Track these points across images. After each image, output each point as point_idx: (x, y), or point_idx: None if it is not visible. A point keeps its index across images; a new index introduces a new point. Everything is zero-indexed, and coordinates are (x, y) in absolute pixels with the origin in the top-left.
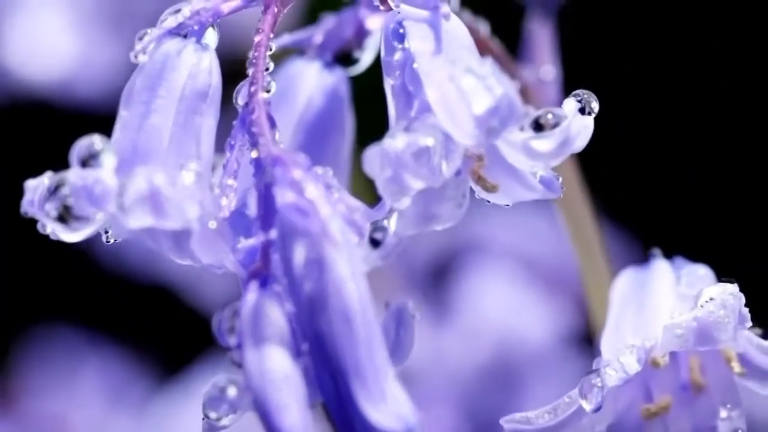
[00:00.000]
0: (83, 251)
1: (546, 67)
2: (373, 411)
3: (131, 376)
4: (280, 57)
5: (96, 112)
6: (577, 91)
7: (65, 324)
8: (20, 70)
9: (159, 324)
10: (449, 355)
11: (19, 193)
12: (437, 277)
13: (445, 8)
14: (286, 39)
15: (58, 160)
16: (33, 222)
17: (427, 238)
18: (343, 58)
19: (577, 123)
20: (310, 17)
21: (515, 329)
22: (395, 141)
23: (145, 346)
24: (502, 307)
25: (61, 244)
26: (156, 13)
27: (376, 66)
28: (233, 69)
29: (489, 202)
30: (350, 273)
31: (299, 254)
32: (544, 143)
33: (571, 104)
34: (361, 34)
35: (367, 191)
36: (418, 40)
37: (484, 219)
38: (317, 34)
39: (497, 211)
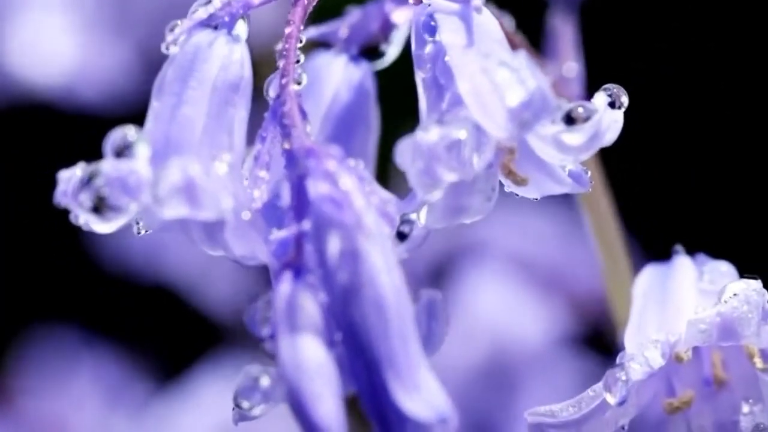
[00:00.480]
0: (83, 251)
1: (569, 64)
2: (407, 400)
3: (130, 377)
4: (306, 50)
5: (98, 114)
6: (607, 86)
7: (64, 324)
8: (22, 72)
9: (159, 325)
10: (446, 355)
11: (20, 194)
12: (435, 278)
13: (476, 1)
14: (313, 32)
15: (59, 161)
16: (32, 222)
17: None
18: (369, 52)
19: (607, 117)
20: (336, 11)
21: (512, 330)
22: (428, 133)
23: (145, 347)
24: (498, 309)
25: (61, 244)
26: (158, 16)
27: (402, 60)
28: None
29: (517, 195)
30: (384, 264)
31: (333, 245)
32: (575, 137)
33: (601, 98)
34: (387, 27)
35: (389, 184)
36: (450, 32)
37: (482, 221)
38: (343, 28)
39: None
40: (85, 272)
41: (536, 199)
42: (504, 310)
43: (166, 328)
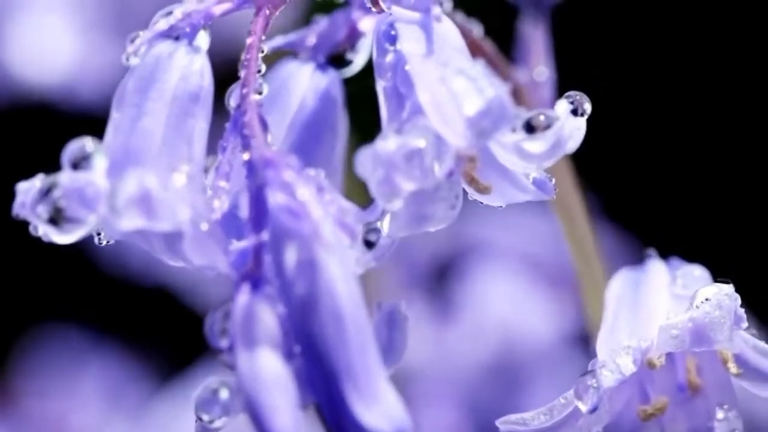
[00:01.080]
0: (83, 252)
1: (539, 69)
2: (365, 412)
3: (131, 377)
4: (274, 59)
5: (97, 115)
6: (569, 93)
7: (65, 325)
8: (21, 73)
9: (159, 325)
10: (452, 354)
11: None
12: (440, 276)
13: (436, 10)
14: (279, 41)
15: (58, 162)
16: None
17: (430, 238)
18: (336, 60)
19: (569, 124)
20: (303, 19)
21: (518, 328)
22: (387, 143)
23: (145, 347)
24: (505, 306)
25: (60, 245)
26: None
27: (369, 68)
28: (224, 72)
29: (482, 203)
30: (342, 275)
31: (291, 256)
32: (536, 145)
33: (563, 106)
34: (354, 35)
35: (360, 193)
36: (410, 42)
37: (487, 219)
38: (310, 36)
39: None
40: (85, 273)
41: (501, 207)
42: (512, 308)
43: (166, 329)
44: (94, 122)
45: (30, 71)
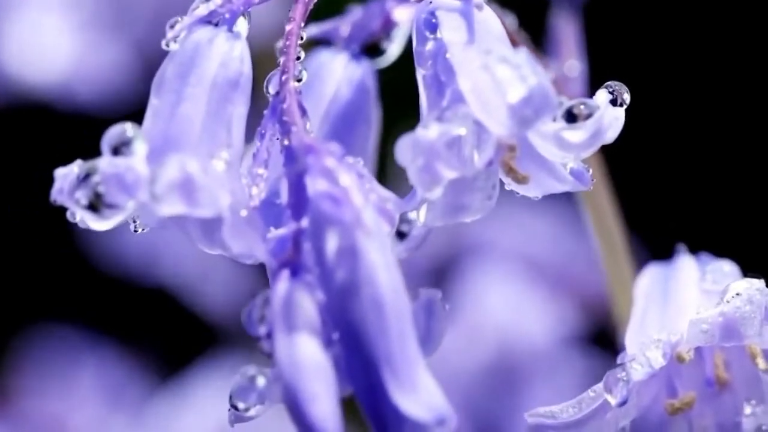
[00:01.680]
0: (82, 252)
1: (571, 63)
2: (404, 401)
3: (129, 376)
4: (307, 48)
5: (96, 114)
6: (609, 83)
7: (64, 324)
8: (20, 72)
9: (158, 325)
10: (451, 354)
11: (19, 194)
12: (440, 277)
13: None
14: (314, 30)
15: (57, 161)
16: (31, 222)
17: (429, 239)
18: (370, 50)
19: (609, 114)
20: (337, 8)
21: (518, 330)
22: (428, 130)
23: (144, 347)
24: (504, 308)
25: (60, 245)
26: (156, 16)
27: (403, 58)
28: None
29: (518, 194)
30: (383, 262)
31: (332, 243)
32: (576, 134)
33: (603, 95)
34: (388, 25)
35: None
36: (451, 30)
37: (487, 219)
38: (344, 25)
39: (500, 211)
40: (83, 273)
41: (537, 197)
42: (510, 309)
43: (165, 329)
44: (92, 121)
45: (28, 71)
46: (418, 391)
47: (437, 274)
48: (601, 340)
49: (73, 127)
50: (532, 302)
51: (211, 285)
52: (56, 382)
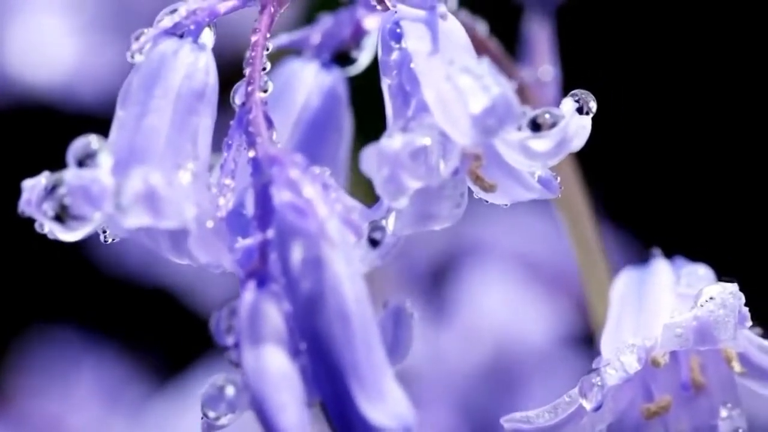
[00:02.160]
0: (82, 252)
1: (545, 68)
2: (371, 410)
3: (129, 377)
4: (278, 57)
5: (96, 115)
6: (575, 91)
7: (63, 325)
8: (21, 73)
9: (157, 326)
10: (448, 355)
11: (19, 194)
12: (437, 277)
13: (441, 8)
14: (284, 39)
15: (58, 161)
16: (32, 222)
17: (427, 239)
18: (341, 58)
19: (574, 123)
20: (308, 17)
21: (514, 330)
22: (392, 140)
23: (144, 347)
24: (501, 308)
25: (60, 245)
26: (156, 16)
27: (374, 66)
28: (229, 70)
29: (487, 202)
30: (347, 272)
31: (296, 254)
32: (541, 143)
33: (568, 104)
34: (359, 34)
35: (365, 191)
36: (415, 39)
37: (484, 220)
38: (315, 34)
39: (497, 212)
40: (83, 274)
41: (506, 205)
42: (507, 310)
43: (164, 330)
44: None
45: (30, 71)
46: (384, 399)
47: (435, 275)
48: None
49: (74, 127)
50: (529, 303)
51: (211, 286)
52: (56, 383)
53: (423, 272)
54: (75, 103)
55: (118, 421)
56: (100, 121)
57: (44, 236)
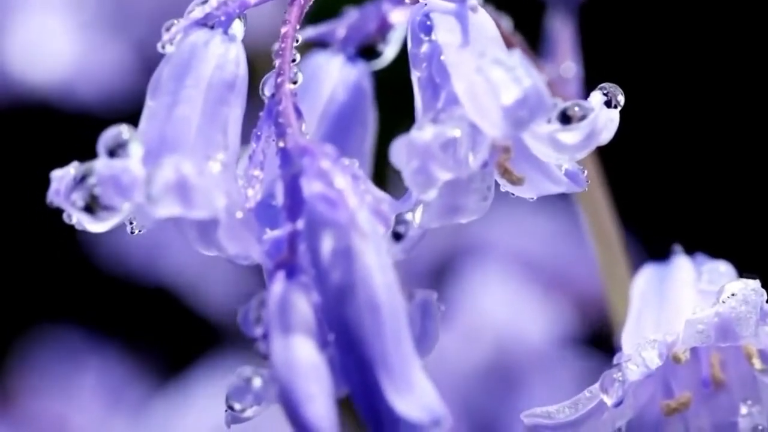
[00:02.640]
0: (83, 252)
1: (567, 64)
2: (399, 401)
3: (131, 377)
4: (304, 50)
5: (97, 114)
6: (603, 85)
7: (65, 325)
8: (21, 72)
9: (159, 325)
10: (448, 355)
11: (20, 194)
12: (437, 277)
13: (471, 0)
14: (310, 32)
15: (58, 161)
16: (33, 223)
17: (427, 239)
18: (367, 52)
19: (603, 116)
20: (334, 11)
21: (515, 330)
22: (423, 132)
23: (146, 347)
24: (500, 308)
25: (61, 245)
26: (157, 16)
27: (399, 60)
28: (256, 61)
29: (513, 195)
30: (378, 263)
31: (327, 244)
32: (570, 135)
33: (597, 97)
34: (385, 27)
35: (385, 187)
36: (445, 32)
37: (484, 220)
38: (340, 28)
39: (497, 212)
40: (84, 273)
41: (532, 198)
42: (507, 309)
43: (166, 329)
44: (93, 121)
45: (30, 70)
46: (413, 391)
47: (436, 274)
48: (598, 340)
49: (74, 126)
50: (529, 302)
51: (213, 285)
52: (58, 383)
53: (423, 271)
54: (75, 103)
55: (121, 420)
56: (100, 121)
57: (44, 236)
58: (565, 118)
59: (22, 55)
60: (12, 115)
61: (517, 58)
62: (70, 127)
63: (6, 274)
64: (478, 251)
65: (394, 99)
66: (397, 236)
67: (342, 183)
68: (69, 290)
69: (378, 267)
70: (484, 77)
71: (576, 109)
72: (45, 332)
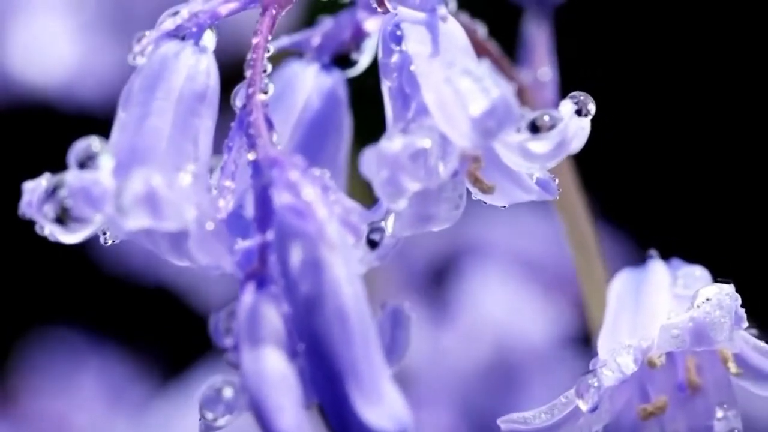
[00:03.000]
0: (84, 252)
1: (543, 69)
2: (368, 411)
3: (132, 377)
4: (278, 59)
5: (96, 115)
6: (574, 93)
7: (66, 325)
8: (21, 74)
9: (159, 325)
10: (448, 356)
11: (20, 195)
12: (437, 277)
13: (442, 10)
14: (284, 41)
15: (58, 162)
16: (33, 223)
17: (427, 240)
18: (341, 61)
19: (573, 125)
20: (308, 20)
21: (514, 330)
22: (392, 143)
23: (146, 347)
24: (500, 308)
25: (61, 245)
26: (156, 17)
27: (374, 68)
28: (231, 72)
29: (486, 203)
30: (346, 275)
31: (296, 256)
32: (540, 145)
33: (567, 106)
34: (359, 36)
35: (365, 193)
36: (416, 42)
37: (484, 220)
38: (315, 37)
39: (497, 212)
40: (85, 273)
41: (504, 207)
42: (507, 309)
43: (166, 329)
44: (93, 122)
45: (30, 72)
46: (382, 401)
47: (435, 274)
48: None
49: (74, 128)
50: (528, 302)
51: (213, 285)
52: (59, 383)
53: (422, 272)
54: (75, 103)
55: (121, 420)
56: (100, 122)
57: (45, 236)
58: (535, 128)
59: (23, 56)
60: (12, 116)
61: (485, 68)
62: (71, 128)
63: (6, 275)
64: (478, 251)
65: (371, 107)
66: (372, 244)
67: (311, 194)
68: (69, 290)
69: (346, 278)
70: (453, 88)
71: (545, 118)
72: (46, 332)
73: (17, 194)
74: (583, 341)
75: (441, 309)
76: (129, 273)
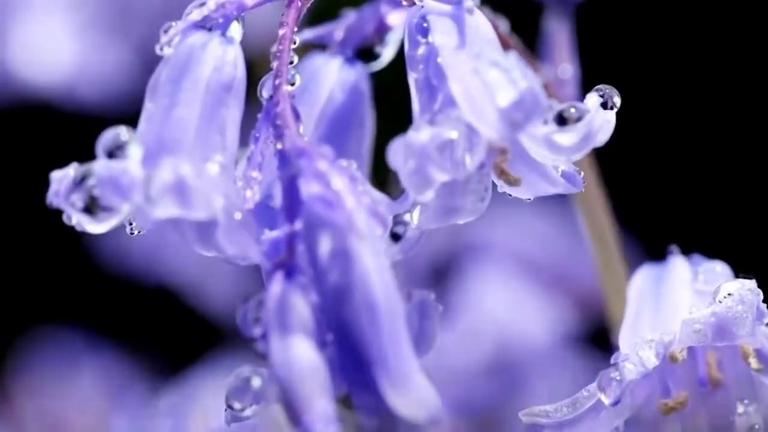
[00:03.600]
0: (84, 252)
1: (564, 66)
2: (397, 400)
3: (131, 377)
4: (302, 52)
5: (98, 115)
6: (599, 86)
7: (65, 325)
8: (22, 72)
9: (160, 325)
10: (450, 354)
11: (20, 194)
12: (438, 276)
13: (468, 2)
14: (308, 34)
15: (59, 161)
16: (33, 223)
17: (428, 238)
18: (364, 54)
19: (599, 117)
20: (332, 13)
21: (515, 329)
22: (420, 134)
23: (146, 347)
24: (502, 307)
25: (61, 245)
26: (158, 17)
27: (397, 61)
28: (254, 63)
29: (510, 195)
30: (375, 264)
31: (324, 245)
32: (566, 137)
33: (593, 99)
34: (382, 29)
35: (384, 190)
36: (442, 34)
37: (486, 220)
38: (338, 30)
39: (497, 212)
40: (85, 273)
41: (529, 199)
42: (508, 308)
43: (166, 329)
44: (94, 122)
45: (30, 71)
46: (411, 390)
47: (436, 273)
48: (598, 339)
49: (75, 127)
50: (529, 301)
51: (214, 285)
52: (57, 383)
53: (424, 271)
54: (76, 103)
55: (120, 420)
56: (100, 121)
57: (45, 236)
58: (562, 120)
59: (23, 55)
60: (13, 116)
61: (513, 59)
62: (71, 127)
63: (6, 274)
64: (479, 251)
65: (393, 100)
66: (395, 237)
67: (339, 184)
68: (69, 290)
69: (375, 268)
70: (481, 79)
71: (572, 110)
72: (45, 332)
73: (17, 193)
74: (584, 339)
75: (442, 308)
76: (129, 273)
